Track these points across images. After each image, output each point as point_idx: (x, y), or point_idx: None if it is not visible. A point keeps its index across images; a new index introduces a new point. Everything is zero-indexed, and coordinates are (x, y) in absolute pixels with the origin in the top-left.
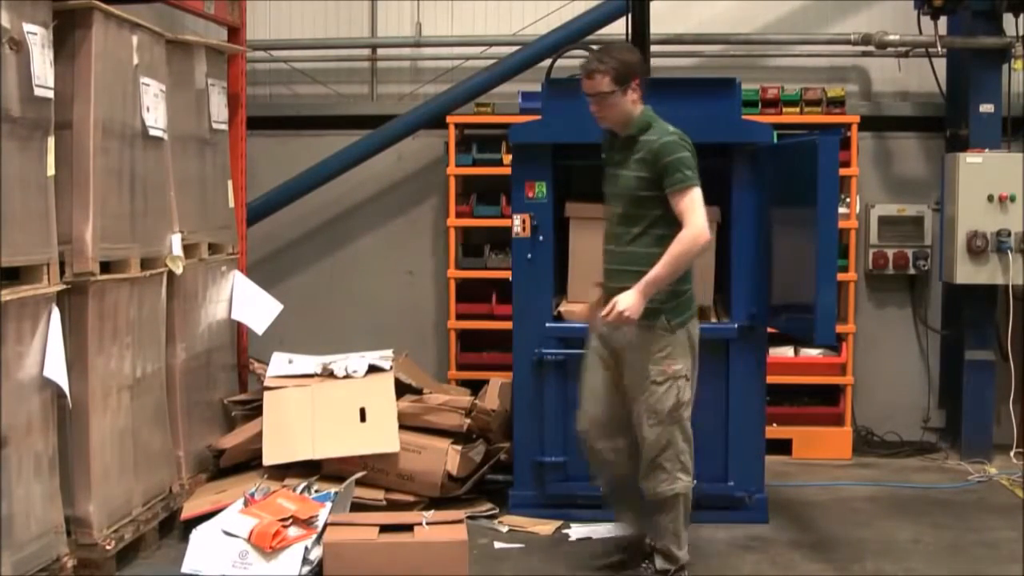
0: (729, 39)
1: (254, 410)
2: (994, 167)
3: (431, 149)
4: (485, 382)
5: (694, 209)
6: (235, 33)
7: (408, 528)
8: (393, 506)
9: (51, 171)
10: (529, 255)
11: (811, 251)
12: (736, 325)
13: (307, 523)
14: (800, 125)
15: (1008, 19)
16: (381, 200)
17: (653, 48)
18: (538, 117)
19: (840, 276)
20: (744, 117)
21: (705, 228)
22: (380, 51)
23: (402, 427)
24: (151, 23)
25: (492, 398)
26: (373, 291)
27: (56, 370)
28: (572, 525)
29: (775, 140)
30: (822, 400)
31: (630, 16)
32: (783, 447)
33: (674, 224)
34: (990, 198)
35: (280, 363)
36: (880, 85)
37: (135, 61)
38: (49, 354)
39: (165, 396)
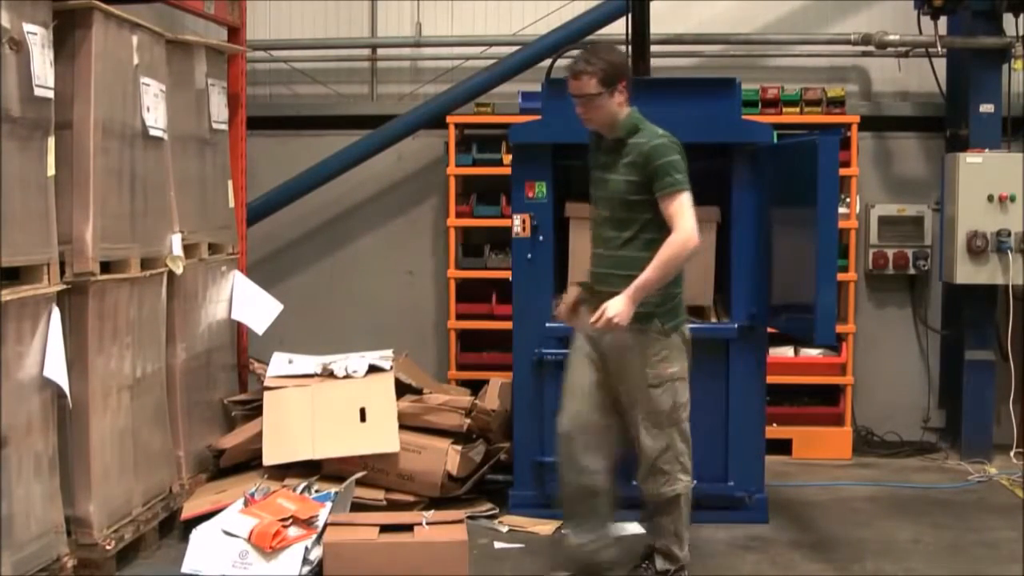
0: (729, 39)
1: (254, 410)
2: (994, 167)
3: (431, 149)
4: (485, 382)
5: (683, 213)
6: (235, 33)
7: (408, 528)
8: (393, 506)
9: (51, 171)
10: (529, 255)
11: (811, 251)
12: (736, 325)
13: (307, 523)
14: (800, 125)
15: (1008, 19)
16: (381, 200)
17: (653, 48)
18: (538, 117)
19: (840, 276)
20: (744, 117)
21: (695, 232)
22: (380, 51)
23: (402, 427)
24: (151, 23)
25: (492, 398)
26: (373, 291)
27: (56, 370)
28: None
29: (775, 140)
30: (822, 400)
31: (630, 16)
32: (783, 447)
33: (664, 228)
34: (990, 198)
35: (280, 363)
36: (880, 85)
37: (135, 61)
38: (49, 354)
39: (165, 396)
